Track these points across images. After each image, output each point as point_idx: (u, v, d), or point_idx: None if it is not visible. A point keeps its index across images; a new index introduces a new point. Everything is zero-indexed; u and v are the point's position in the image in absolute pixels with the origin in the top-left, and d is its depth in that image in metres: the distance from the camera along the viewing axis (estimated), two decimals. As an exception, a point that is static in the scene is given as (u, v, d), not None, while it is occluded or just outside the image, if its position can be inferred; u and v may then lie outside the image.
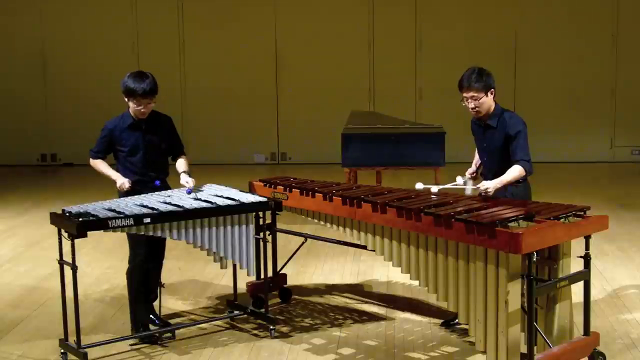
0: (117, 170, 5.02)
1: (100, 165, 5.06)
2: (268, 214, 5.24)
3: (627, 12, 11.33)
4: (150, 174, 5.04)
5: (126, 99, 4.92)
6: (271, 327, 5.02)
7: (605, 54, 11.42)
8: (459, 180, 4.91)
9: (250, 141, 11.81)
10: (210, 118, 11.84)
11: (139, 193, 4.91)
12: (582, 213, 4.28)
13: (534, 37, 11.43)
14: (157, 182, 5.00)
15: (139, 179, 4.99)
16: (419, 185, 4.82)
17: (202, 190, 5.12)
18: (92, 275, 6.36)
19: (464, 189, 4.83)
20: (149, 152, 5.01)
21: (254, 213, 4.97)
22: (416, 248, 4.40)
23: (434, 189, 4.69)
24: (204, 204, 4.74)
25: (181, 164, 5.13)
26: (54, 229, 4.55)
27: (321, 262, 6.65)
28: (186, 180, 5.02)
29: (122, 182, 4.92)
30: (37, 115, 11.92)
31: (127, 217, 4.40)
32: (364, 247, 4.91)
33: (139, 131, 4.98)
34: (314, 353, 4.76)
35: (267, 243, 5.32)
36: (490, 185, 4.60)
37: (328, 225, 5.11)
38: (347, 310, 5.49)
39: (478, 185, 4.67)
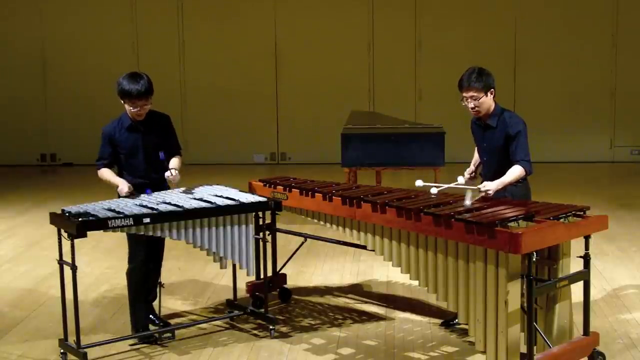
0: (121, 173, 4.98)
1: (105, 173, 4.95)
2: (268, 214, 5.24)
3: (626, 13, 11.33)
4: (152, 176, 5.00)
5: (122, 101, 4.90)
6: (271, 327, 5.02)
7: (605, 55, 11.42)
8: (460, 179, 4.90)
9: (249, 141, 11.81)
10: (210, 118, 11.84)
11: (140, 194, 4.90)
12: (582, 213, 4.28)
13: (534, 38, 11.43)
14: (148, 191, 4.92)
15: (141, 182, 4.97)
16: (419, 183, 4.81)
17: (193, 192, 5.06)
18: (91, 275, 6.36)
19: (464, 193, 4.81)
20: (149, 153, 4.97)
21: (254, 213, 4.97)
22: (416, 248, 4.40)
23: (434, 190, 4.67)
24: (204, 204, 4.74)
25: (173, 162, 5.02)
26: (54, 229, 4.55)
27: (321, 262, 6.65)
28: (171, 173, 4.89)
29: (122, 187, 4.85)
30: (37, 115, 11.93)
31: (126, 217, 4.39)
32: (364, 247, 4.91)
33: (138, 133, 4.96)
34: (314, 353, 4.76)
35: (267, 243, 5.32)
36: (491, 187, 4.59)
37: (328, 225, 5.11)
38: (347, 310, 5.49)
39: (479, 186, 4.66)
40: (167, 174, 4.92)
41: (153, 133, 5.00)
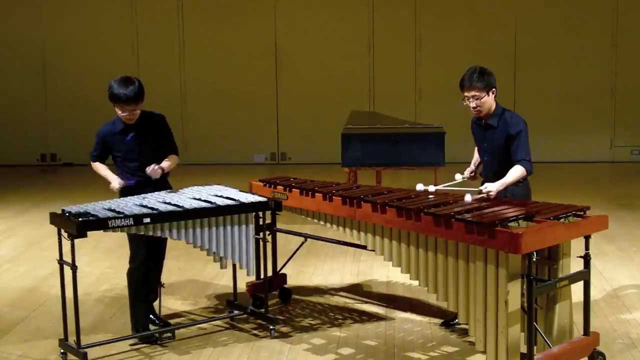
0: (116, 173, 5.00)
1: (99, 167, 5.07)
2: (268, 214, 5.24)
3: (626, 13, 11.33)
4: (147, 176, 5.00)
5: (112, 104, 4.90)
6: (271, 327, 5.02)
7: (605, 54, 11.42)
8: (458, 177, 4.93)
9: (250, 141, 11.81)
10: (210, 118, 11.84)
11: (139, 194, 4.90)
12: (582, 213, 4.28)
13: (534, 38, 11.43)
14: (130, 182, 4.92)
15: (138, 181, 4.97)
16: (420, 186, 4.81)
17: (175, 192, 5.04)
18: (92, 275, 6.36)
19: (463, 194, 4.80)
20: (144, 155, 4.96)
21: (254, 213, 4.97)
22: (416, 248, 4.40)
23: (431, 188, 4.72)
24: (204, 204, 4.74)
25: (165, 160, 5.00)
26: (54, 229, 4.55)
27: (321, 262, 6.65)
28: (152, 168, 4.89)
29: (113, 184, 4.91)
30: (37, 115, 11.93)
31: (126, 217, 4.39)
32: (364, 247, 4.91)
33: (131, 136, 4.96)
34: (314, 353, 4.76)
35: (267, 243, 5.32)
36: (492, 188, 4.58)
37: (328, 225, 5.11)
38: (347, 310, 5.49)
39: (480, 188, 4.66)
40: (147, 168, 4.91)
41: (147, 134, 4.99)
